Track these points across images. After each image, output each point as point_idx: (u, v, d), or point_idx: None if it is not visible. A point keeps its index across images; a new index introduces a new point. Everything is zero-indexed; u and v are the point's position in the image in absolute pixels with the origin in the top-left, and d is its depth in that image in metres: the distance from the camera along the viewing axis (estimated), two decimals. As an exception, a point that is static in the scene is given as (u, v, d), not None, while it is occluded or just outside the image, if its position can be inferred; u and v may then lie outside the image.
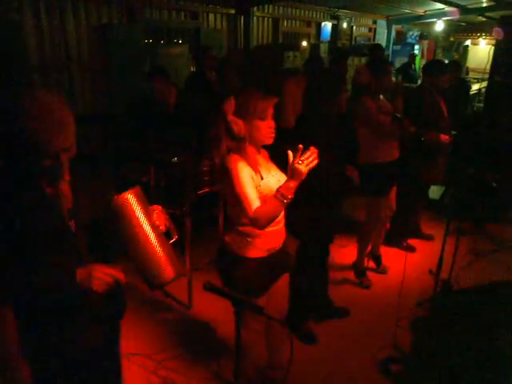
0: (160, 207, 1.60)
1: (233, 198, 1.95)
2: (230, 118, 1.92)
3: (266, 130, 1.99)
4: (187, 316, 3.27)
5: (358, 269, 3.79)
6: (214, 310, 3.11)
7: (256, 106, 1.95)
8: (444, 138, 3.64)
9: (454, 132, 3.92)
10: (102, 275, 1.37)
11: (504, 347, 2.42)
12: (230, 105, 1.93)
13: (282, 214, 2.10)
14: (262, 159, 2.10)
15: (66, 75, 4.75)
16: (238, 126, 1.92)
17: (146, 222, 1.47)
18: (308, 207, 2.63)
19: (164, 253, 1.48)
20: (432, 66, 4.01)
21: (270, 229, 2.00)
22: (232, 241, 2.09)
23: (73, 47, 4.75)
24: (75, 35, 4.76)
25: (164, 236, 1.55)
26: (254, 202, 1.87)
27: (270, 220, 1.88)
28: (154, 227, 1.50)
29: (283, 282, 2.30)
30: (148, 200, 1.56)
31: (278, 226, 2.11)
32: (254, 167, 1.97)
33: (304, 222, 2.71)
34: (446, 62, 6.26)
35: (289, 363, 1.48)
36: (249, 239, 2.04)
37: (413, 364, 2.82)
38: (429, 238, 4.58)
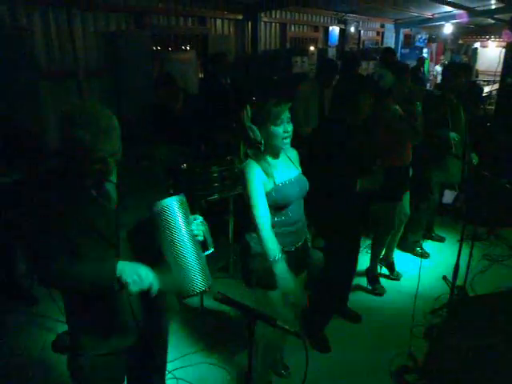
0: (199, 217, 1.61)
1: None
2: (247, 125, 1.99)
3: (281, 135, 2.07)
4: (199, 323, 3.22)
5: (371, 276, 3.73)
6: (227, 318, 3.08)
7: (269, 112, 2.04)
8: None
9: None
10: (144, 277, 1.47)
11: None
12: (246, 112, 2.01)
13: (299, 214, 2.23)
14: (283, 162, 2.20)
15: (75, 82, 4.75)
16: (254, 132, 2.03)
17: (184, 229, 1.48)
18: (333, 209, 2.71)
19: (196, 263, 1.49)
20: (452, 68, 3.97)
21: (282, 229, 2.15)
22: (250, 238, 2.20)
23: (81, 54, 4.76)
24: (83, 42, 4.77)
25: (199, 246, 1.55)
26: (261, 210, 2.05)
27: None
28: (192, 236, 1.51)
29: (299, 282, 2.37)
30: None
31: (294, 227, 2.21)
32: (269, 171, 2.09)
33: (329, 223, 2.79)
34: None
35: (305, 372, 1.43)
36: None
37: (428, 374, 2.75)
38: (440, 239, 4.52)
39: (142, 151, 1.84)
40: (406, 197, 3.62)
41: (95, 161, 1.41)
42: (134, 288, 1.45)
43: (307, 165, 2.36)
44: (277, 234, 2.12)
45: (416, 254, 4.16)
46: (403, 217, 3.66)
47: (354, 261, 3.13)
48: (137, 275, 1.46)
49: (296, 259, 2.25)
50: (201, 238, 1.57)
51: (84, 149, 1.38)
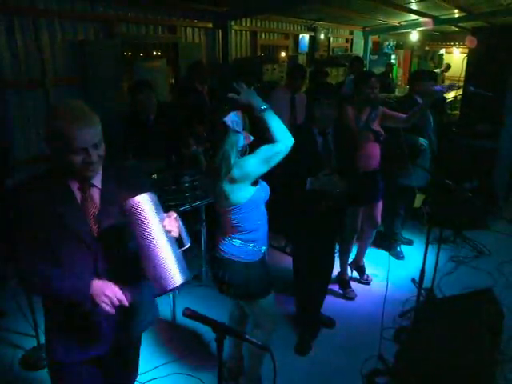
0: (173, 213, 1.62)
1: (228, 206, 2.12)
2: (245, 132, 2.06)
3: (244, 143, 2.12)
4: (172, 334, 3.22)
5: (342, 280, 3.80)
6: (199, 328, 3.07)
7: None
8: None
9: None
10: (112, 297, 1.50)
11: (487, 356, 2.44)
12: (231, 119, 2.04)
13: (265, 212, 2.29)
14: None
15: (41, 91, 4.67)
16: (248, 138, 2.08)
17: (157, 226, 1.50)
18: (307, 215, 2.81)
19: (173, 258, 1.50)
20: (419, 74, 4.12)
21: (262, 228, 2.24)
22: (232, 249, 2.22)
23: (49, 63, 4.69)
24: (50, 51, 4.70)
25: (174, 242, 1.57)
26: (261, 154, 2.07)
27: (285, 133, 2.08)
28: (165, 232, 1.53)
29: None
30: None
31: (266, 225, 2.30)
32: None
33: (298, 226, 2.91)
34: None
35: (274, 380, 1.46)
36: (251, 244, 2.21)
37: (398, 376, 2.82)
38: (408, 242, 4.63)
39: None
40: (378, 206, 3.69)
41: (76, 150, 1.45)
42: (105, 308, 1.49)
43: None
44: (260, 236, 2.24)
45: (401, 243, 4.37)
46: (371, 224, 3.74)
47: (328, 266, 3.18)
48: (105, 296, 1.49)
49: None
50: (175, 234, 1.58)
51: (64, 137, 1.43)
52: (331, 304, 3.58)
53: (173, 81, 6.49)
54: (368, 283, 3.92)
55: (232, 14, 6.75)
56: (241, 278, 2.23)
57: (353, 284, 3.83)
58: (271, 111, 2.03)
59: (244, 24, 7.58)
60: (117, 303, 1.51)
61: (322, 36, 9.90)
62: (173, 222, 1.57)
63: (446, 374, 2.48)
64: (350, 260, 3.86)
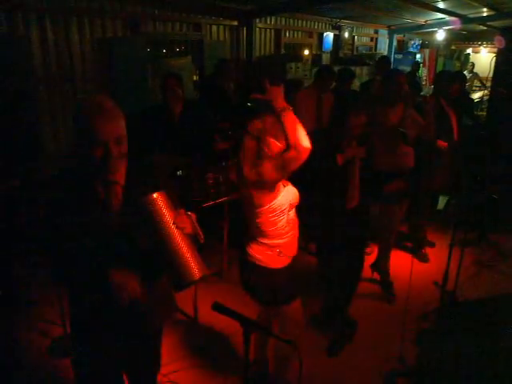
0: (184, 211, 1.63)
1: (252, 209, 2.08)
2: (267, 139, 1.98)
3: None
4: (193, 328, 3.26)
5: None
6: (221, 322, 3.10)
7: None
8: (442, 144, 3.66)
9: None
10: (132, 290, 1.51)
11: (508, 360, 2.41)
12: (255, 126, 1.98)
13: (295, 218, 2.24)
14: None
15: (70, 87, 4.79)
16: (272, 147, 2.00)
17: (169, 222, 1.51)
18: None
19: (189, 253, 1.52)
20: (443, 76, 4.04)
21: (290, 234, 2.17)
22: (258, 254, 2.17)
23: (77, 60, 4.80)
24: (79, 48, 4.81)
25: (189, 238, 1.58)
26: None
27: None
28: (180, 229, 1.54)
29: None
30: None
31: (295, 231, 2.24)
32: None
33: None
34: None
35: (299, 380, 1.47)
36: (277, 250, 2.16)
37: (418, 377, 2.81)
38: (430, 244, 4.58)
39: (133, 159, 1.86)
40: (400, 207, 3.64)
41: (96, 143, 1.45)
42: (120, 302, 1.51)
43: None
44: (288, 241, 2.18)
45: (418, 258, 4.26)
46: (395, 226, 3.68)
47: (357, 265, 3.15)
48: (133, 290, 1.51)
49: (297, 265, 2.33)
50: (188, 231, 1.58)
51: (84, 130, 1.45)
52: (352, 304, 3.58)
53: (197, 78, 6.55)
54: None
55: (257, 12, 6.78)
56: (265, 283, 2.20)
57: (374, 285, 3.81)
58: (290, 113, 1.96)
59: (268, 22, 7.59)
60: (132, 296, 1.52)
61: (347, 34, 9.84)
62: (185, 219, 1.59)
63: (467, 376, 2.47)
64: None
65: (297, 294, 2.36)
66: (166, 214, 1.51)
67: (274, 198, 2.08)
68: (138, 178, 1.68)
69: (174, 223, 1.52)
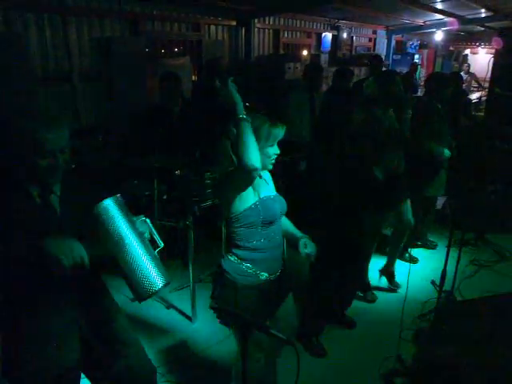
0: (142, 216, 1.59)
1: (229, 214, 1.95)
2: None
3: (272, 156, 1.98)
4: (190, 329, 3.26)
5: (362, 283, 3.77)
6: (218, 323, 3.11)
7: (269, 133, 1.93)
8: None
9: (454, 144, 3.93)
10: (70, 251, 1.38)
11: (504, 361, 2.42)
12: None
13: (280, 237, 2.10)
14: (263, 182, 2.08)
15: (69, 87, 4.78)
16: None
17: (128, 229, 1.44)
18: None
19: (149, 261, 1.44)
20: (434, 79, 4.01)
21: (268, 253, 2.00)
22: (229, 267, 2.01)
23: (76, 59, 4.80)
24: (78, 47, 4.81)
25: (148, 244, 1.53)
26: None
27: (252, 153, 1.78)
28: (138, 235, 1.48)
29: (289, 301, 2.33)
30: (148, 212, 1.58)
31: (278, 250, 2.09)
32: (255, 186, 1.96)
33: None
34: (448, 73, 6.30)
35: (296, 378, 1.47)
36: (245, 264, 1.98)
37: (416, 376, 2.81)
38: (433, 245, 4.59)
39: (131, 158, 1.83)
40: (407, 205, 3.56)
41: (45, 154, 1.43)
42: (66, 263, 1.37)
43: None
44: (258, 259, 1.99)
45: (405, 260, 4.23)
46: (406, 225, 3.61)
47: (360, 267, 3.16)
48: (67, 249, 1.38)
49: (281, 284, 2.16)
50: (147, 236, 1.55)
51: (33, 139, 1.41)
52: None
53: (196, 78, 6.55)
54: (395, 291, 3.82)
55: (256, 12, 6.79)
56: (227, 298, 1.96)
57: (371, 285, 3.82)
58: (248, 126, 1.78)
59: (267, 22, 7.60)
60: (77, 259, 1.39)
61: (345, 35, 9.85)
62: (143, 224, 1.56)
63: (464, 375, 2.48)
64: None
65: (271, 314, 2.16)
66: (122, 219, 1.45)
67: (250, 202, 1.94)
68: (91, 182, 1.66)
69: (132, 229, 1.46)
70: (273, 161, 2.00)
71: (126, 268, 1.42)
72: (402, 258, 4.25)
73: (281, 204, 2.08)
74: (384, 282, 3.91)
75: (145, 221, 1.58)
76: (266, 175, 2.14)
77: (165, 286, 1.46)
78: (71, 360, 1.62)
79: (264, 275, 2.01)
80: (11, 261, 1.42)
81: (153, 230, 1.59)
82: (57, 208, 1.55)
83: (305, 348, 3.06)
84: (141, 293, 1.43)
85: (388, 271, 3.91)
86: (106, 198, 1.47)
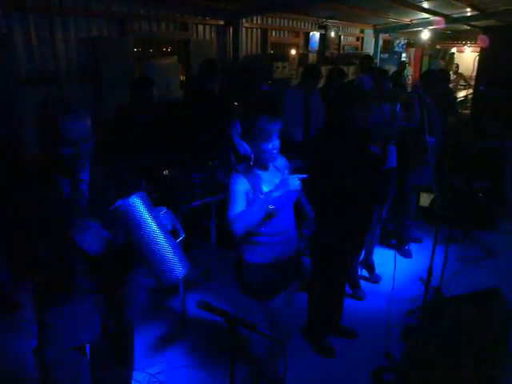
0: (164, 208, 1.66)
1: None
2: (236, 141, 2.02)
3: (270, 151, 2.06)
4: (182, 328, 3.25)
5: (351, 280, 3.80)
6: (209, 321, 3.11)
7: (262, 130, 2.00)
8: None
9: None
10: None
11: (493, 355, 2.45)
12: (236, 128, 2.02)
13: (290, 223, 2.22)
14: (271, 173, 2.18)
15: (55, 87, 4.73)
16: (245, 149, 2.03)
17: (153, 222, 1.53)
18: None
19: (173, 251, 1.55)
20: (428, 74, 4.10)
21: (273, 238, 2.15)
22: (242, 248, 2.22)
23: (62, 59, 4.75)
24: (64, 48, 4.76)
25: (170, 235, 1.61)
26: (236, 208, 2.03)
27: (246, 225, 2.00)
28: (162, 226, 1.56)
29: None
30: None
31: (284, 236, 2.20)
32: (255, 185, 2.07)
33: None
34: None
35: (283, 379, 1.49)
36: (254, 246, 2.16)
37: (405, 373, 2.84)
38: (418, 240, 4.63)
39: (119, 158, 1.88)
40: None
41: (67, 143, 1.52)
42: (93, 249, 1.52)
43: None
44: (267, 244, 2.15)
45: (401, 253, 4.31)
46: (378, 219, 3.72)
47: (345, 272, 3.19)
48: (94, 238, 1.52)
49: (289, 269, 2.27)
50: (169, 227, 1.63)
51: (57, 129, 1.50)
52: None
53: (183, 78, 6.53)
54: (377, 282, 3.92)
55: (243, 11, 6.78)
56: (239, 275, 2.25)
57: (360, 281, 3.85)
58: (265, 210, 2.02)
59: (255, 22, 7.60)
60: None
61: (333, 34, 9.88)
62: (165, 216, 1.62)
63: (452, 372, 2.50)
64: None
65: (276, 293, 2.29)
66: (147, 215, 1.52)
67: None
68: (117, 178, 1.73)
69: (157, 222, 1.53)
70: (274, 155, 2.10)
71: (152, 258, 1.53)
72: (400, 251, 4.32)
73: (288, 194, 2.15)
74: (365, 274, 4.00)
75: (167, 212, 1.65)
76: (279, 162, 2.24)
77: (188, 273, 1.57)
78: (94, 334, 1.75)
79: (268, 256, 2.17)
80: (44, 250, 1.54)
81: (175, 220, 1.67)
82: (85, 195, 1.64)
83: (314, 348, 3.09)
84: (166, 280, 1.55)
85: (366, 264, 3.98)
86: (132, 194, 1.54)
